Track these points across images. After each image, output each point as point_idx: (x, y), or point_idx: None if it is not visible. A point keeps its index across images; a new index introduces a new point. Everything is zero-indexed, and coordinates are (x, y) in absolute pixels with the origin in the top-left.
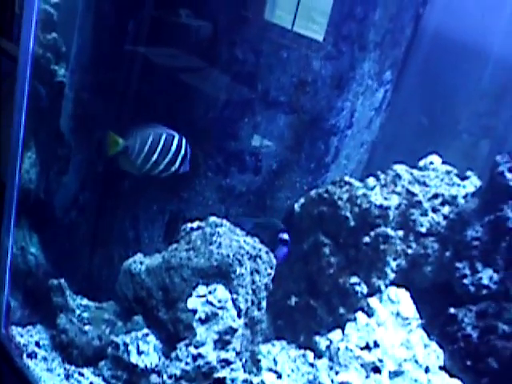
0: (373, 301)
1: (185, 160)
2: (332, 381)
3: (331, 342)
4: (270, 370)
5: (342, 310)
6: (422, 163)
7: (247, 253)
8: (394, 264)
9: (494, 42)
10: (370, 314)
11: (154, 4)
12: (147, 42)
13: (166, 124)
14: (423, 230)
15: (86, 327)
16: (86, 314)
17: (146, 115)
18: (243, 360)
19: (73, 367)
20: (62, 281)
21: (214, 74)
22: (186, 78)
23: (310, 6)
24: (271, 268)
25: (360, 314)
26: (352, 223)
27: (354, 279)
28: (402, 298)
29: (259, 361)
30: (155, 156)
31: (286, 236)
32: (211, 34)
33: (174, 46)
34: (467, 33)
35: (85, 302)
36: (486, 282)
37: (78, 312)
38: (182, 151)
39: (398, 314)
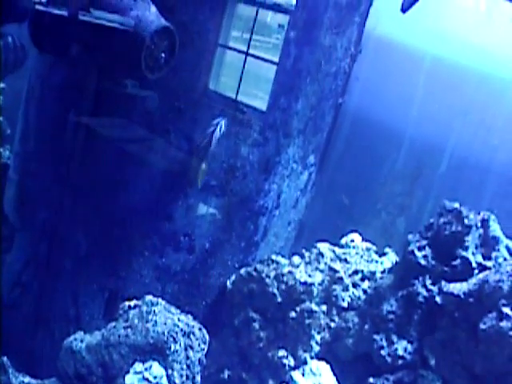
0: (295, 374)
1: None
2: None
3: None
4: None
5: (271, 382)
6: (343, 241)
7: (181, 330)
8: (318, 337)
9: (407, 128)
10: None
11: (92, 94)
12: (87, 130)
13: (105, 206)
14: (345, 304)
15: None
16: None
17: (87, 198)
18: None
19: None
20: (5, 359)
21: (150, 162)
22: (124, 163)
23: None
24: (204, 343)
25: None
26: (279, 299)
27: (282, 352)
28: (323, 371)
29: None
30: None
31: None
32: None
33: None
34: (383, 119)
35: (27, 379)
36: (401, 352)
37: None
38: None
39: None
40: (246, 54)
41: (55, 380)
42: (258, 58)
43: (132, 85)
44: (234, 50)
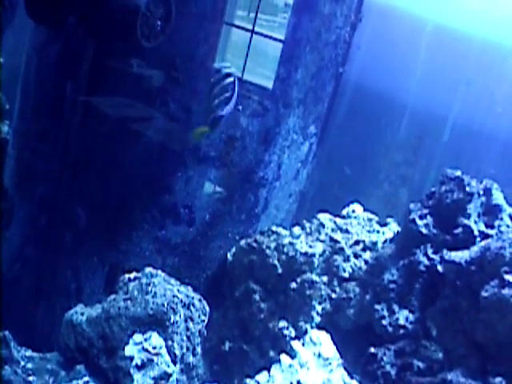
0: (295, 343)
1: None
2: None
3: (258, 383)
4: None
5: (272, 353)
6: (344, 211)
7: (181, 301)
8: (319, 308)
9: (409, 97)
10: (293, 355)
11: (91, 67)
12: (85, 104)
13: (104, 179)
14: (346, 275)
15: (30, 378)
16: (30, 365)
17: (86, 173)
18: None
19: None
20: (7, 333)
21: (148, 132)
22: (123, 135)
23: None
24: (205, 315)
25: (283, 356)
26: (280, 270)
27: (283, 323)
28: (323, 340)
29: None
30: None
31: None
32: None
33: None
34: (384, 89)
35: (29, 353)
36: (402, 322)
37: (22, 363)
38: None
39: (319, 355)
40: (252, 31)
41: (57, 353)
42: (263, 35)
43: (138, 64)
44: (239, 27)
